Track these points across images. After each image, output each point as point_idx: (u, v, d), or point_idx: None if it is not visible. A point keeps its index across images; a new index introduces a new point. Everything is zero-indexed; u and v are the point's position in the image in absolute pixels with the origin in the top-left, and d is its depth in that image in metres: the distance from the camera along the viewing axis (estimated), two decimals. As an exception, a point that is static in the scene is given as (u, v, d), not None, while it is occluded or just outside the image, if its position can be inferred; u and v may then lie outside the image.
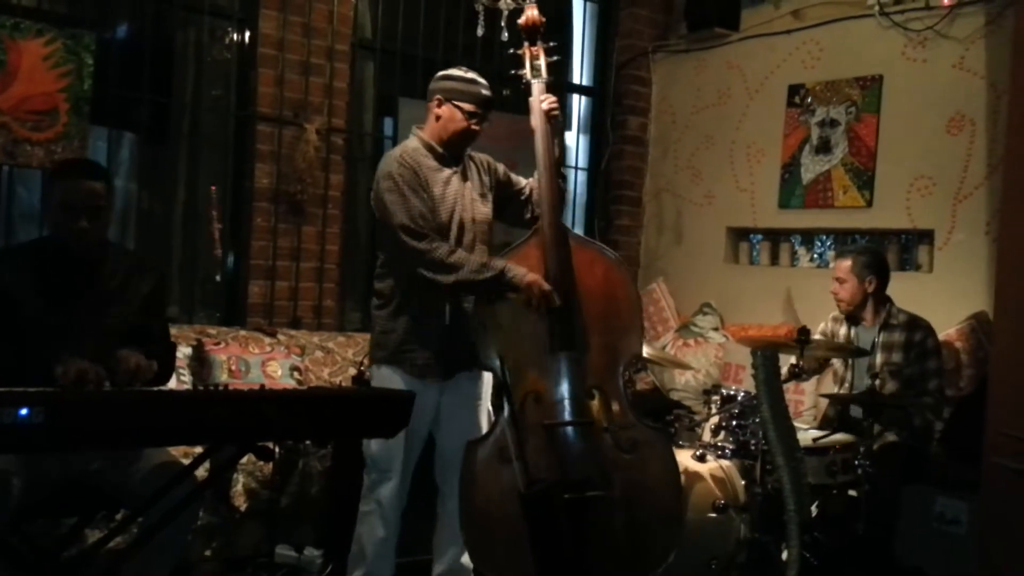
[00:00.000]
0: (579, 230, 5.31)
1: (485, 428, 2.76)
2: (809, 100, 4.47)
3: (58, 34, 3.53)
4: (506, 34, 3.47)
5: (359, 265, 4.55)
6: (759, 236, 4.86)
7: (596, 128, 5.26)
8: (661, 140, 5.18)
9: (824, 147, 4.40)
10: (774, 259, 4.77)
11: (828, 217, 4.44)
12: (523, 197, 2.85)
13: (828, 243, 4.68)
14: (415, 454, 2.77)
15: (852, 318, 3.57)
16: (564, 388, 2.62)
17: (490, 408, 2.85)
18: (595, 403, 2.64)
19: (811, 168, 4.46)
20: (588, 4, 5.24)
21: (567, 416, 2.60)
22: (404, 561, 2.92)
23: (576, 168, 5.26)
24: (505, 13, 3.51)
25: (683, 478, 3.10)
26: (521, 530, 2.37)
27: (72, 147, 3.56)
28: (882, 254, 3.69)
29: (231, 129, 4.13)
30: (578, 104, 5.28)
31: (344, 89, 4.27)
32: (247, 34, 4.11)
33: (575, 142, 5.28)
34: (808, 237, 4.73)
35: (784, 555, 2.93)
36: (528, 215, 2.84)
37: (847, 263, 3.50)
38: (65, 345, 2.20)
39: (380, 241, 2.77)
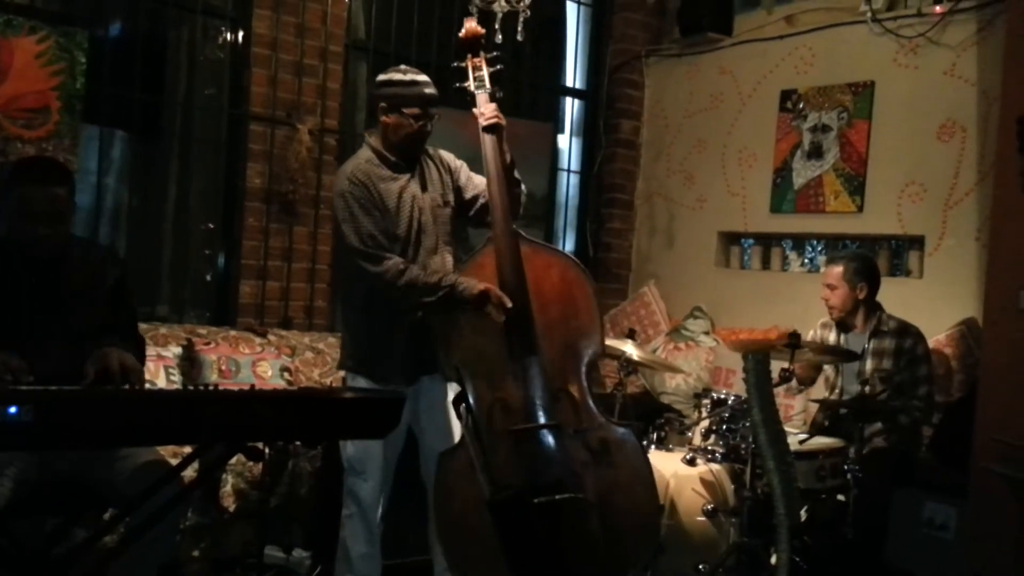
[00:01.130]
0: (571, 233, 5.33)
1: (459, 429, 2.75)
2: (801, 105, 4.49)
3: (50, 32, 3.52)
4: (499, 36, 3.48)
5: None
6: (750, 240, 4.87)
7: (589, 131, 5.27)
8: (653, 144, 5.19)
9: (816, 152, 4.42)
10: (765, 263, 4.79)
11: (819, 222, 4.46)
12: (480, 202, 2.83)
13: (819, 248, 4.70)
14: (394, 456, 2.77)
15: (842, 324, 3.58)
16: (529, 393, 2.62)
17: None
18: (561, 406, 2.64)
19: (803, 173, 4.48)
20: (582, 8, 5.25)
21: (534, 420, 2.60)
22: (396, 563, 2.91)
23: (568, 171, 5.27)
24: (499, 15, 3.51)
25: (673, 482, 3.11)
26: (495, 539, 2.37)
27: (63, 145, 3.55)
28: (873, 260, 3.70)
29: (224, 128, 4.12)
30: (571, 107, 5.29)
31: (337, 90, 4.26)
32: (240, 33, 4.10)
33: (568, 145, 5.29)
34: (799, 242, 4.74)
35: (773, 559, 2.94)
36: (488, 218, 2.80)
37: (838, 269, 3.51)
38: (30, 347, 2.15)
39: (340, 256, 2.78)
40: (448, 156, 2.87)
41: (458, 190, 2.84)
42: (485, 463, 2.37)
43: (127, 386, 2.20)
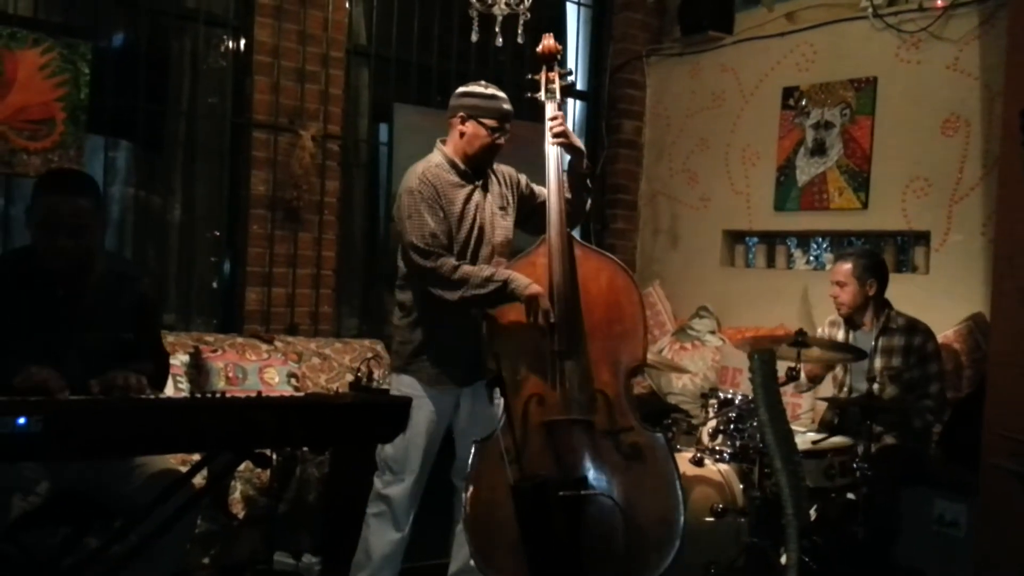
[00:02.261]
0: (575, 233, 5.31)
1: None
2: (804, 102, 4.48)
3: (54, 43, 3.53)
4: (500, 39, 3.48)
5: (355, 271, 4.55)
6: (755, 239, 4.87)
7: (591, 132, 5.26)
8: (656, 143, 5.19)
9: (819, 149, 4.41)
10: (770, 262, 4.78)
11: (824, 219, 4.45)
12: (543, 211, 2.90)
13: (824, 245, 4.69)
14: (431, 459, 2.80)
15: (851, 322, 3.57)
16: (566, 389, 2.68)
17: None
18: (596, 405, 2.69)
19: (806, 170, 4.47)
20: (582, 8, 5.25)
21: (568, 414, 2.65)
22: (416, 566, 2.92)
23: (572, 172, 5.27)
24: (499, 19, 3.52)
25: (681, 482, 3.10)
26: (519, 528, 2.40)
27: (68, 156, 3.56)
28: (881, 257, 3.69)
29: (227, 136, 4.13)
30: (573, 108, 5.29)
31: (339, 96, 4.27)
32: (242, 42, 4.11)
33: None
34: (804, 239, 4.73)
35: (783, 559, 2.93)
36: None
37: (847, 266, 3.50)
38: (46, 362, 2.16)
39: (400, 255, 2.82)
40: (509, 170, 2.96)
41: (523, 198, 2.95)
42: (515, 451, 2.43)
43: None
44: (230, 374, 3.53)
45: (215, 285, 4.22)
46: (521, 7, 3.50)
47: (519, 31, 3.53)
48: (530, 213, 2.95)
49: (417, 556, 2.95)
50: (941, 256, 4.01)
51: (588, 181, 2.95)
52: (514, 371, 2.70)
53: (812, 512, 3.04)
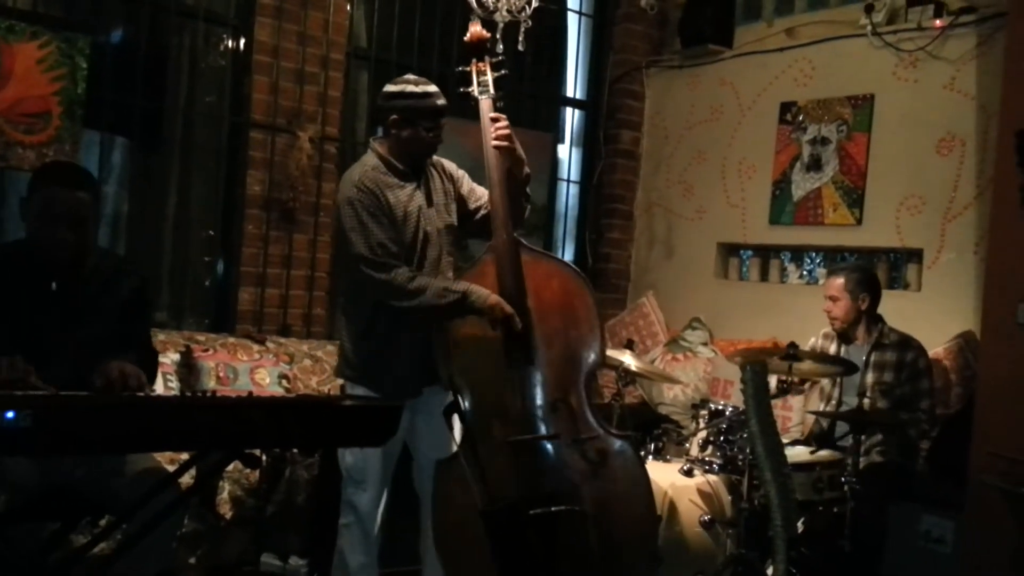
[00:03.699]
0: (570, 243, 5.34)
1: (458, 436, 2.75)
2: (801, 118, 4.50)
3: (52, 37, 3.53)
4: (501, 45, 3.49)
5: (350, 274, 4.54)
6: (749, 252, 4.88)
7: (589, 141, 5.28)
8: (653, 155, 5.21)
9: (815, 165, 4.43)
10: (764, 275, 4.79)
11: (818, 234, 4.46)
12: (482, 212, 2.81)
13: (818, 260, 4.70)
14: (391, 466, 2.75)
15: (844, 336, 3.58)
16: (527, 403, 2.61)
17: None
18: (559, 416, 2.62)
19: (802, 185, 4.49)
20: (583, 18, 5.27)
21: (532, 431, 2.59)
22: (390, 572, 2.90)
23: (568, 181, 5.27)
24: (500, 26, 3.53)
25: (670, 492, 3.11)
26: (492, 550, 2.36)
27: (64, 151, 3.55)
28: (874, 272, 3.71)
29: (224, 135, 4.13)
30: (571, 117, 5.31)
31: (338, 98, 4.27)
32: (242, 41, 4.11)
33: (568, 155, 5.30)
34: (798, 254, 4.75)
35: (770, 571, 2.93)
36: (489, 228, 2.78)
37: (840, 281, 3.51)
38: (40, 352, 2.15)
39: (342, 265, 2.73)
40: (450, 165, 2.85)
41: (460, 200, 2.82)
42: (480, 473, 2.36)
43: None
44: (221, 374, 3.51)
45: (208, 284, 4.21)
46: (522, 15, 3.51)
47: (519, 39, 3.55)
48: (466, 216, 2.81)
49: (397, 562, 2.94)
50: (933, 274, 4.03)
51: (527, 188, 2.82)
52: (473, 389, 2.61)
53: (800, 525, 3.04)
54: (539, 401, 2.61)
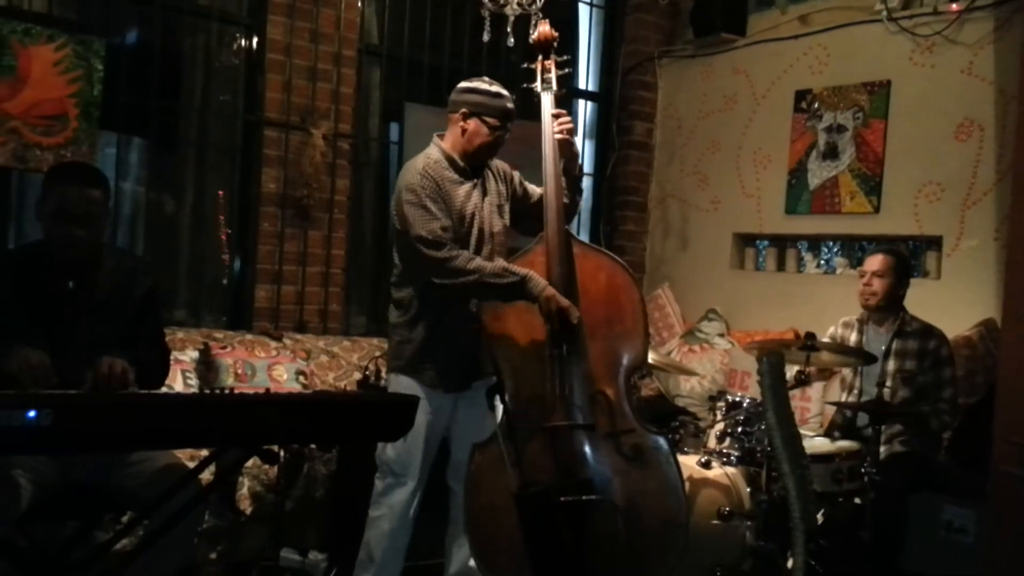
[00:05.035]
0: (584, 235, 5.32)
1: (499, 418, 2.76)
2: (816, 105, 4.47)
3: (68, 40, 3.55)
4: (512, 40, 3.48)
5: (364, 270, 4.56)
6: (765, 242, 4.85)
7: (602, 133, 5.26)
8: (667, 145, 5.18)
9: (831, 153, 4.39)
10: (780, 265, 4.76)
11: (835, 223, 4.43)
12: (537, 209, 2.85)
13: (835, 249, 4.67)
14: (430, 461, 2.78)
15: (880, 311, 3.48)
16: (566, 392, 2.62)
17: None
18: (597, 407, 2.64)
19: (818, 174, 4.45)
20: (595, 10, 5.25)
21: (569, 419, 2.61)
22: (414, 565, 2.92)
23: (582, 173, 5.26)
24: (511, 19, 3.52)
25: (688, 485, 3.09)
26: (520, 533, 2.38)
27: (81, 152, 3.58)
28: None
29: (239, 134, 4.15)
30: (584, 109, 5.29)
31: (351, 94, 4.28)
32: (255, 40, 4.13)
33: (581, 147, 5.27)
34: (815, 243, 4.71)
35: (789, 563, 2.92)
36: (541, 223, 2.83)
37: (890, 259, 3.47)
38: (53, 350, 2.17)
39: (399, 252, 2.77)
40: (504, 165, 2.90)
41: (514, 196, 2.88)
42: (516, 456, 2.39)
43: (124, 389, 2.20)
44: (239, 371, 3.54)
45: (225, 282, 4.24)
46: (533, 7, 3.50)
47: (531, 32, 3.53)
48: (523, 213, 2.89)
49: (418, 556, 2.96)
50: (953, 261, 3.99)
51: (579, 184, 2.90)
52: (514, 375, 2.64)
53: (819, 516, 3.03)
54: (578, 391, 2.63)
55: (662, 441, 2.67)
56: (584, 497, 2.48)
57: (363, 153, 4.47)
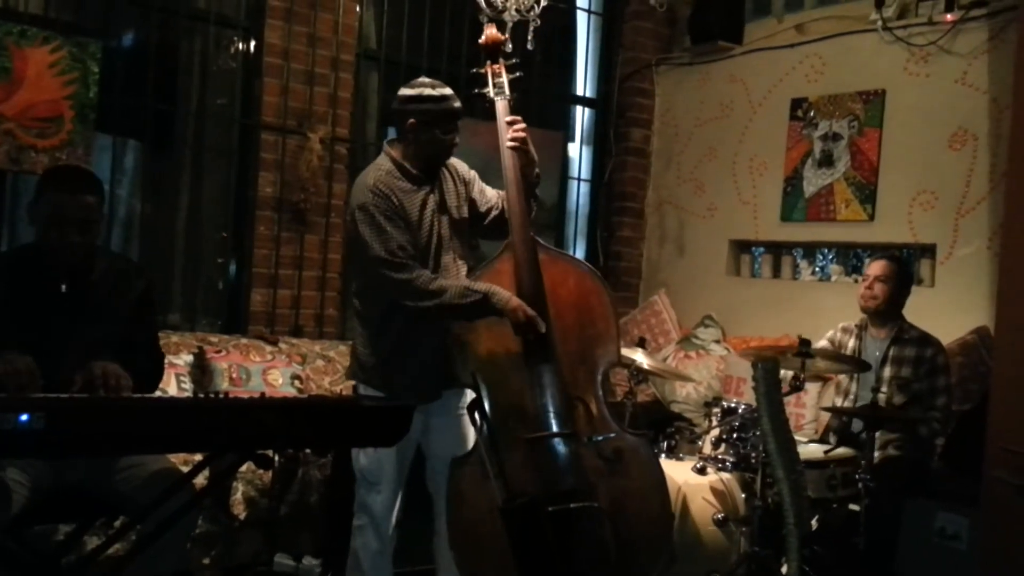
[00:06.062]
0: (581, 241, 5.33)
1: (472, 437, 2.74)
2: (812, 114, 4.48)
3: (64, 42, 3.55)
4: (510, 45, 3.48)
5: (361, 274, 4.55)
6: (761, 249, 4.86)
7: (599, 140, 5.27)
8: (664, 152, 5.19)
9: (826, 161, 4.41)
10: (776, 272, 4.77)
11: (830, 231, 4.44)
12: (494, 214, 2.82)
13: (830, 257, 4.68)
14: (406, 467, 2.76)
15: (878, 316, 3.50)
16: (543, 401, 2.61)
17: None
18: (576, 414, 2.63)
19: (813, 181, 4.47)
20: (592, 17, 5.26)
21: (548, 428, 2.59)
22: (404, 571, 2.91)
23: (579, 179, 5.27)
24: (509, 24, 3.53)
25: (683, 490, 3.10)
26: (507, 546, 2.36)
27: (76, 155, 3.58)
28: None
29: (235, 138, 4.15)
30: (581, 116, 5.30)
31: (348, 99, 4.29)
32: (252, 43, 4.13)
33: (578, 153, 5.30)
34: (810, 250, 4.73)
35: (784, 569, 2.92)
36: (504, 229, 2.77)
37: (892, 265, 3.49)
38: (47, 354, 2.16)
39: (355, 269, 2.72)
40: (462, 167, 2.84)
41: (472, 202, 2.82)
42: (499, 470, 2.37)
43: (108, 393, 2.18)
44: (234, 375, 3.53)
45: (220, 286, 4.23)
46: (531, 14, 3.51)
47: (529, 38, 3.54)
48: (477, 217, 2.81)
49: (412, 561, 2.95)
50: (946, 269, 4.00)
51: (536, 190, 2.83)
52: (491, 386, 2.61)
53: (813, 522, 3.03)
54: (556, 399, 2.61)
55: (642, 442, 2.66)
56: (572, 505, 2.47)
57: (360, 157, 4.46)
